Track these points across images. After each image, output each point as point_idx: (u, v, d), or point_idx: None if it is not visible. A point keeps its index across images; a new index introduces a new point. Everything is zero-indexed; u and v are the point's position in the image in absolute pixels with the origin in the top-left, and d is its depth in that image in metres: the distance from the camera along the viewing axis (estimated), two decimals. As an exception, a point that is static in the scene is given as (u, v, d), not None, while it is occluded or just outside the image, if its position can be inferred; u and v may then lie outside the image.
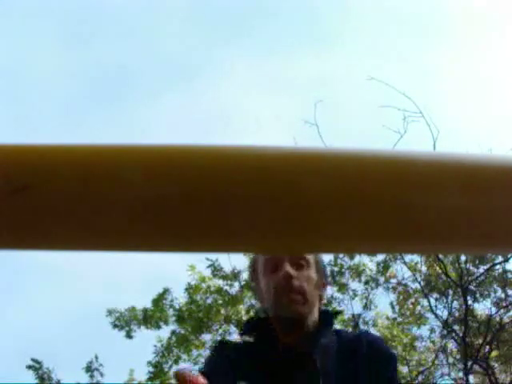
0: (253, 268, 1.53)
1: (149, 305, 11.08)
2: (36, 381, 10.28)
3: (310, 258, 1.49)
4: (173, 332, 10.95)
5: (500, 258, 10.07)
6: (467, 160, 0.30)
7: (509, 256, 9.97)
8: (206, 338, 10.50)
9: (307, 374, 1.39)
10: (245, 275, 9.71)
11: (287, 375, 1.36)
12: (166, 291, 11.12)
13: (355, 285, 10.49)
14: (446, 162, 0.28)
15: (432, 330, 10.46)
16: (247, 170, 0.29)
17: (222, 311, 10.32)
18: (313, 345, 1.45)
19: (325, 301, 1.72)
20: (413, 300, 10.60)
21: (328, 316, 1.56)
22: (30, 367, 10.27)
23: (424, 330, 10.56)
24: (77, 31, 15.27)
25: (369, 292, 10.56)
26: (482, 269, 10.08)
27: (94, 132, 16.27)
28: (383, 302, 10.57)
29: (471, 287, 10.00)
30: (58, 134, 16.28)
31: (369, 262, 10.50)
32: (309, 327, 1.47)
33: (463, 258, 9.98)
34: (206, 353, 9.74)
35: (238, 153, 0.29)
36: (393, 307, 10.57)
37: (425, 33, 15.13)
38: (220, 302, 10.46)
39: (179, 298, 11.15)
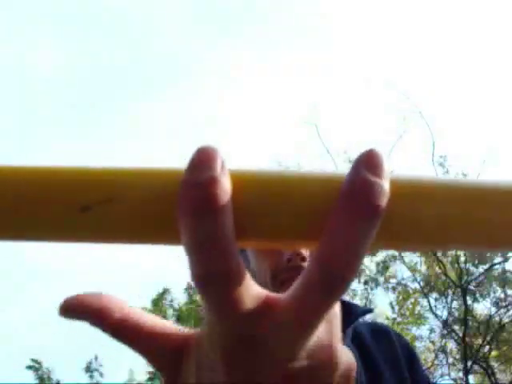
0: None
1: (148, 305, 11.09)
2: (36, 381, 10.29)
3: None
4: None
5: (499, 259, 10.07)
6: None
7: (508, 256, 9.97)
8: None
9: None
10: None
11: None
12: (165, 291, 11.13)
13: (355, 285, 10.49)
14: None
15: (432, 330, 10.47)
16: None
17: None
18: None
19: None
20: (412, 300, 10.60)
21: (353, 311, 1.11)
22: (29, 367, 10.28)
23: (424, 330, 10.57)
24: (75, 32, 15.26)
25: (368, 292, 10.57)
26: (481, 269, 10.09)
27: (92, 132, 16.26)
28: (383, 302, 10.59)
29: (471, 287, 10.01)
30: (57, 134, 16.27)
31: (368, 262, 10.51)
32: None
33: (463, 258, 9.98)
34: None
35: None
36: (392, 307, 10.58)
37: (425, 33, 15.14)
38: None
39: (179, 298, 11.18)
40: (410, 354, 1.13)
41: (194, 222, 0.24)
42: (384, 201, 0.24)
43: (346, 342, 1.07)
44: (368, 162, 0.24)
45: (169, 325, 0.30)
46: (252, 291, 0.26)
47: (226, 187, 0.24)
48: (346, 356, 0.28)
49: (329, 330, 0.27)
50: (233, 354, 0.26)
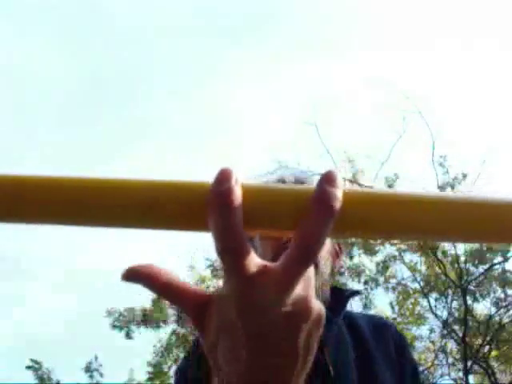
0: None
1: (148, 305, 11.10)
2: (36, 381, 10.29)
3: None
4: (172, 332, 10.97)
5: (499, 259, 10.08)
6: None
7: (508, 256, 9.98)
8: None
9: (317, 366, 1.04)
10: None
11: None
12: (165, 291, 11.12)
13: (355, 285, 10.50)
14: None
15: (432, 330, 10.47)
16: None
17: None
18: (324, 330, 1.03)
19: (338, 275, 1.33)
20: (412, 300, 10.60)
21: (342, 295, 1.23)
22: (29, 367, 10.28)
23: (424, 330, 10.57)
24: (76, 33, 15.26)
25: (368, 292, 10.57)
26: (481, 269, 10.08)
27: (92, 133, 16.26)
28: (383, 302, 10.58)
29: (471, 287, 10.01)
30: (56, 134, 16.27)
31: (368, 262, 10.52)
32: None
33: (463, 258, 9.99)
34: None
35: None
36: (392, 307, 10.58)
37: (425, 33, 15.14)
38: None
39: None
40: (400, 341, 1.21)
41: (218, 215, 0.38)
42: (337, 203, 0.38)
43: (340, 327, 1.16)
44: (327, 178, 0.38)
45: (198, 288, 0.43)
46: (254, 260, 0.39)
47: (237, 194, 0.38)
48: (317, 306, 0.41)
49: (305, 286, 0.40)
50: (245, 307, 0.39)
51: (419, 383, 1.18)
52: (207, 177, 0.39)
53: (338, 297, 1.20)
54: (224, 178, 0.38)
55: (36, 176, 0.40)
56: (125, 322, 11.00)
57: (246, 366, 0.40)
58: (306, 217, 0.38)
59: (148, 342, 10.94)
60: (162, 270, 0.42)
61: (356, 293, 1.28)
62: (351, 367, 1.12)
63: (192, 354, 1.09)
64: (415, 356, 10.29)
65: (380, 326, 1.23)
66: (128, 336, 10.99)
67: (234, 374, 0.40)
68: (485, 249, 9.86)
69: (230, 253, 0.38)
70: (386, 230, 0.40)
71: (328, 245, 1.19)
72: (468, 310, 9.68)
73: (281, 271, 0.39)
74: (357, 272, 10.42)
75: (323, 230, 0.38)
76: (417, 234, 0.41)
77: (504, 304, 10.04)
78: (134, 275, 0.41)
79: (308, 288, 0.40)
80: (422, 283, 10.37)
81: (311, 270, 0.40)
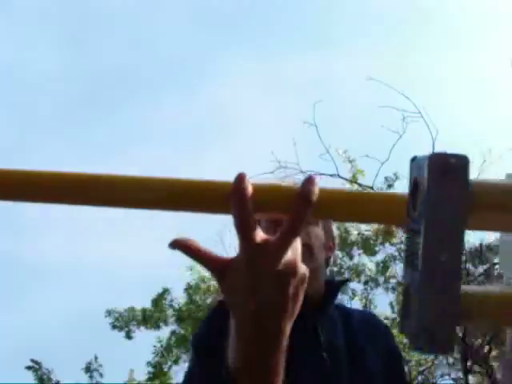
0: None
1: (148, 305, 11.09)
2: (36, 381, 10.28)
3: None
4: (172, 332, 10.96)
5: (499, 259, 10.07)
6: None
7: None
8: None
9: (310, 349, 1.26)
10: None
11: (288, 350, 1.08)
12: (165, 291, 11.12)
13: (355, 285, 10.50)
14: None
15: (432, 330, 10.44)
16: None
17: (222, 311, 10.31)
18: (317, 317, 1.31)
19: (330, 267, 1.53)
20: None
21: (334, 286, 1.41)
22: (29, 368, 10.27)
23: (424, 330, 10.54)
24: (76, 33, 15.27)
25: (368, 292, 10.57)
26: (481, 269, 10.09)
27: (92, 133, 16.26)
28: (383, 302, 10.58)
29: (471, 287, 10.00)
30: (55, 134, 16.27)
31: (368, 262, 10.52)
32: (313, 296, 1.27)
33: (463, 258, 9.98)
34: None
35: None
36: (392, 307, 10.57)
37: (424, 33, 15.15)
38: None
39: (179, 298, 11.17)
40: (386, 334, 1.45)
41: (237, 205, 0.56)
42: (314, 197, 0.56)
43: (332, 314, 1.37)
44: (308, 180, 0.57)
45: (220, 255, 0.61)
46: (259, 234, 0.58)
47: (249, 191, 0.56)
48: (302, 268, 0.60)
49: (294, 253, 0.59)
50: (253, 266, 0.58)
51: (402, 367, 1.46)
52: (213, 174, 0.61)
53: (329, 287, 1.39)
54: (240, 180, 0.56)
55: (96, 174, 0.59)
56: (125, 322, 11.00)
57: (252, 310, 0.59)
58: (293, 205, 0.57)
59: (148, 342, 10.95)
60: (195, 241, 0.61)
61: (346, 281, 1.73)
62: (341, 349, 1.31)
63: (212, 313, 1.33)
64: (415, 356, 10.30)
65: (370, 319, 1.47)
66: (128, 336, 10.99)
67: (245, 317, 0.60)
68: (485, 249, 9.87)
69: (243, 228, 0.57)
70: (344, 215, 0.61)
71: (322, 239, 1.38)
72: (468, 310, 9.67)
73: (277, 241, 0.58)
74: (356, 272, 10.42)
75: (304, 213, 0.57)
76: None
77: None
78: (176, 244, 0.60)
79: (295, 255, 0.59)
80: (421, 283, 10.35)
81: (298, 241, 0.60)
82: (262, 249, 0.57)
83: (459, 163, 0.52)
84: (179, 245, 0.60)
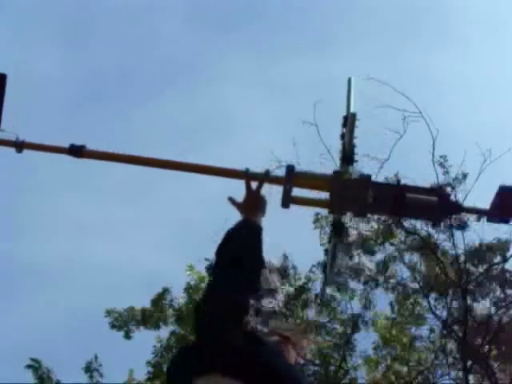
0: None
1: (148, 305, 11.08)
2: (36, 381, 10.26)
3: None
4: (172, 332, 10.95)
5: (499, 258, 10.07)
6: None
7: (508, 256, 9.98)
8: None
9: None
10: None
11: None
12: (165, 291, 11.10)
13: (354, 285, 10.49)
14: None
15: (431, 330, 10.46)
16: None
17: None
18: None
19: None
20: (412, 300, 10.59)
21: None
22: (29, 367, 10.25)
23: (423, 330, 10.56)
24: (75, 33, 15.26)
25: (368, 292, 10.56)
26: (481, 269, 10.08)
27: (91, 132, 16.26)
28: (383, 302, 10.57)
29: (470, 287, 10.00)
30: (55, 133, 16.26)
31: (368, 262, 10.50)
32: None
33: (462, 257, 9.98)
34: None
35: None
36: (392, 307, 10.57)
37: (425, 33, 15.15)
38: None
39: (178, 298, 11.15)
40: None
41: (258, 185, 2.14)
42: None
43: None
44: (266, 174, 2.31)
45: (239, 201, 2.10)
46: (253, 189, 2.13)
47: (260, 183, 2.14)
48: (265, 198, 2.10)
49: (263, 195, 2.11)
50: (250, 198, 2.11)
51: None
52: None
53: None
54: (265, 176, 2.25)
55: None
56: (124, 322, 10.98)
57: (253, 212, 1.99)
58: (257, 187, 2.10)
59: (148, 341, 10.93)
60: (235, 199, 2.08)
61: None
62: None
63: (177, 352, 1.97)
64: (415, 356, 10.30)
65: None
66: (128, 336, 10.97)
67: (246, 210, 2.01)
68: (484, 248, 9.86)
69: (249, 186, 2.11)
70: None
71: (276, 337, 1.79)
72: (468, 310, 9.68)
73: (257, 188, 2.08)
74: (356, 272, 10.42)
75: (261, 185, 2.10)
76: None
77: (504, 304, 10.04)
78: (229, 199, 2.08)
79: (263, 196, 2.08)
80: (421, 283, 10.36)
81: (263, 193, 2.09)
82: (253, 193, 2.06)
83: None
84: (229, 199, 2.07)
